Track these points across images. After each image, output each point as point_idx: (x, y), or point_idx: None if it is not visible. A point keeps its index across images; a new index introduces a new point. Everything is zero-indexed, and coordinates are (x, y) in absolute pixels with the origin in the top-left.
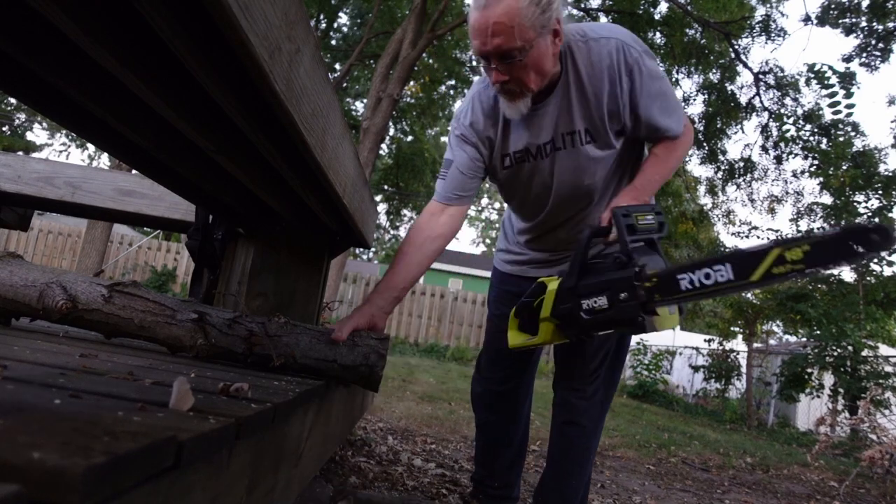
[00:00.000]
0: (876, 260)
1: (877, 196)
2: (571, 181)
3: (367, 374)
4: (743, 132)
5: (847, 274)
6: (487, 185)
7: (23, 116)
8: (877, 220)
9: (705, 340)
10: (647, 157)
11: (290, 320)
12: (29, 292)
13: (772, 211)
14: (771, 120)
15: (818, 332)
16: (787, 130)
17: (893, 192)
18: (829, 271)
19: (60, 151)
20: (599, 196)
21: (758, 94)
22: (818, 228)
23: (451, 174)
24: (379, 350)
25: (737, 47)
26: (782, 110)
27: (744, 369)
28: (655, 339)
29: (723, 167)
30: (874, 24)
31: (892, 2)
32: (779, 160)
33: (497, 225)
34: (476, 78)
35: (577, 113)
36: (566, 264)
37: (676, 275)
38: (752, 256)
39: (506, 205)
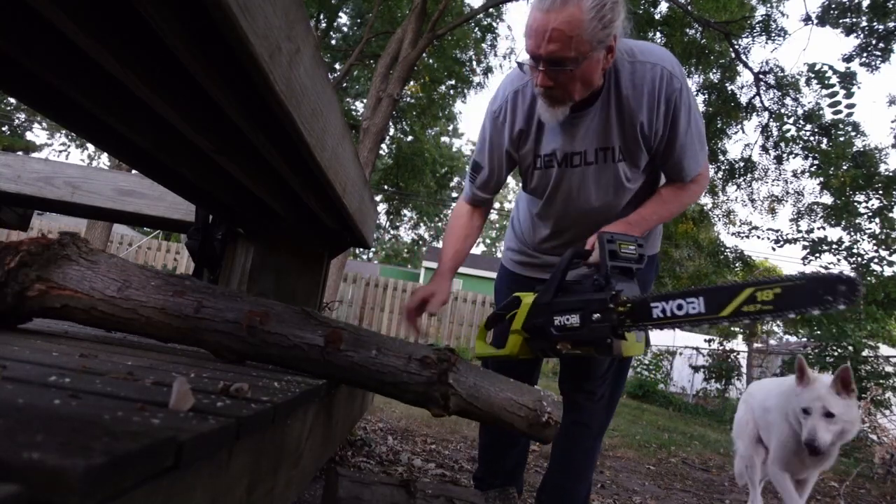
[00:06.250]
0: (876, 260)
1: (877, 196)
2: (598, 196)
3: None
4: (743, 132)
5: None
6: None
7: (23, 116)
8: (849, 273)
9: (705, 340)
10: (653, 195)
11: None
12: None
13: (772, 211)
14: (771, 120)
15: (818, 331)
16: (788, 130)
17: (894, 192)
18: (798, 315)
19: (60, 151)
20: (619, 215)
21: (758, 93)
22: (819, 267)
23: (480, 173)
24: None
25: (737, 47)
26: (782, 110)
27: (744, 369)
28: (655, 339)
29: (723, 167)
30: (874, 23)
31: (892, 2)
32: (779, 160)
33: (497, 225)
34: (512, 70)
35: (614, 130)
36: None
37: (650, 303)
38: (725, 292)
39: (512, 204)
